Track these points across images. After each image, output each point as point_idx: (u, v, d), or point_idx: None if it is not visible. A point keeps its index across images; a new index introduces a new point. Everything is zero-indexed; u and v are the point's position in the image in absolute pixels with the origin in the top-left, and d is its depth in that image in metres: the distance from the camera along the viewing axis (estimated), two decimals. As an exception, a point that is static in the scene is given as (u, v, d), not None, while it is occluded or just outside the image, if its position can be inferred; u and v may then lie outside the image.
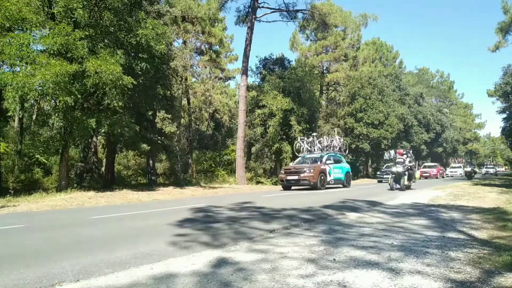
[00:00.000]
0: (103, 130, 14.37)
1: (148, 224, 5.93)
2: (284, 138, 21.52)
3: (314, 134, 19.41)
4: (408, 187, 13.67)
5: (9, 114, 15.19)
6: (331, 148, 18.15)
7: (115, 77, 10.59)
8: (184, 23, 20.65)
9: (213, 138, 29.71)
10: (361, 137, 29.78)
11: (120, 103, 12.03)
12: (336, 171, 15.78)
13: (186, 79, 22.28)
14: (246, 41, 21.82)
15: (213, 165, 24.75)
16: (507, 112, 28.49)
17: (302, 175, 14.45)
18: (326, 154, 16.39)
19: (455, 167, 37.58)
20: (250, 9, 22.33)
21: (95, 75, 10.38)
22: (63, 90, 10.15)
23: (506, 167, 73.60)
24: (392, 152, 26.27)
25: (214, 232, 4.70)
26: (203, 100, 27.99)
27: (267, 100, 21.32)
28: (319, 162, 15.41)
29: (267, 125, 21.67)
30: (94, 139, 17.45)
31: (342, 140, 19.65)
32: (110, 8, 11.99)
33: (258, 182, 21.91)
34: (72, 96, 10.43)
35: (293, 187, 15.26)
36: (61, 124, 11.60)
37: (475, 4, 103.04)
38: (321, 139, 18.98)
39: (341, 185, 16.17)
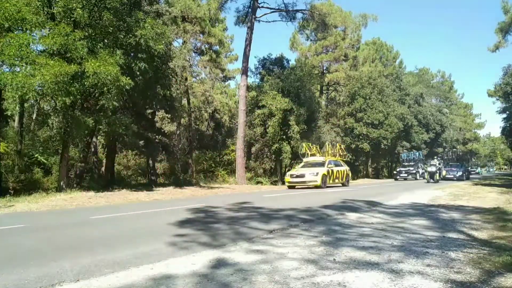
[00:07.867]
0: (102, 130, 14.37)
1: (148, 224, 5.93)
2: (283, 138, 21.52)
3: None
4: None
5: (8, 113, 15.17)
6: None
7: (113, 78, 10.55)
8: (184, 23, 20.62)
9: (213, 138, 29.64)
10: (361, 137, 29.78)
11: (116, 104, 11.99)
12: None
13: (186, 79, 22.24)
14: (246, 41, 21.80)
15: (213, 165, 24.70)
16: (507, 112, 28.52)
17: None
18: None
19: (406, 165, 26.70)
20: (249, 9, 22.30)
21: (94, 75, 10.36)
22: (62, 91, 10.14)
23: (505, 167, 73.55)
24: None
25: (213, 233, 4.70)
26: (203, 100, 27.92)
27: (267, 100, 21.30)
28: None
29: (266, 125, 21.65)
30: (94, 139, 17.42)
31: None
32: (110, 8, 11.96)
33: (257, 182, 21.90)
34: (71, 97, 10.42)
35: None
36: (61, 124, 11.59)
37: (475, 4, 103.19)
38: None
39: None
